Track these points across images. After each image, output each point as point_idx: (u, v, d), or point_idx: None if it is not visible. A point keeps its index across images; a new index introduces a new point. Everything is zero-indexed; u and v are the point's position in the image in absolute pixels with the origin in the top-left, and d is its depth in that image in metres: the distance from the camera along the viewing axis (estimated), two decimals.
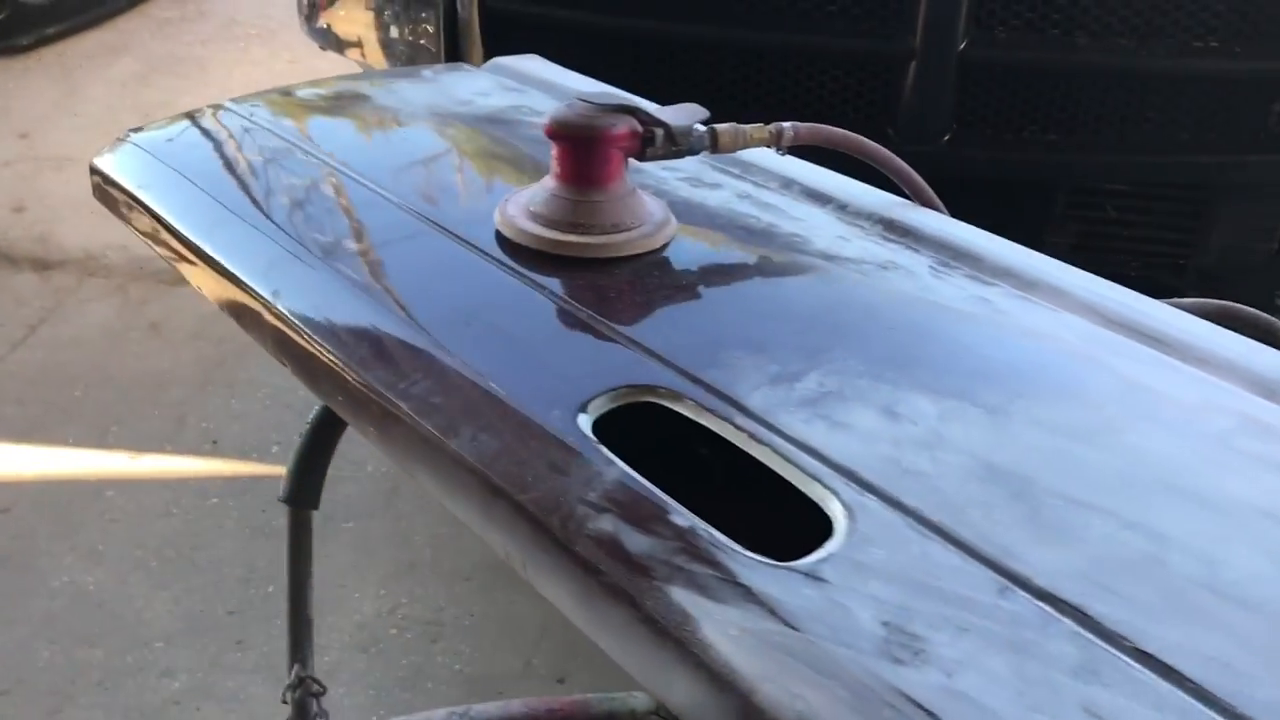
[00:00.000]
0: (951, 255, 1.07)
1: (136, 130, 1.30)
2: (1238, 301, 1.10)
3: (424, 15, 1.96)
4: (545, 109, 1.41)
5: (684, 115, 1.05)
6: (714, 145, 1.07)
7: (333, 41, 2.26)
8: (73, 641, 2.11)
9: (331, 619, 2.19)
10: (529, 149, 1.26)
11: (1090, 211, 1.95)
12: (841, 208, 1.16)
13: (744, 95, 1.84)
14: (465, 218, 1.08)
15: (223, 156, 1.24)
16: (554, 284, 0.97)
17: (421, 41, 1.97)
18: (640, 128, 1.02)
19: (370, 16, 2.19)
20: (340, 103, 1.39)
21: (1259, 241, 1.85)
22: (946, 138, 1.79)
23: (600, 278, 0.99)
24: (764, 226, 1.10)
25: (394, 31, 2.09)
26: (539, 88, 1.47)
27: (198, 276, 1.11)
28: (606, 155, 1.01)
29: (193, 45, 5.14)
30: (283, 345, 0.99)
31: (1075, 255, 1.13)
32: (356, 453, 2.65)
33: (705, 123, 1.08)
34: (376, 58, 2.21)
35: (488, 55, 1.88)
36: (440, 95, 1.41)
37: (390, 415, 0.87)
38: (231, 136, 1.28)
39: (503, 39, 1.87)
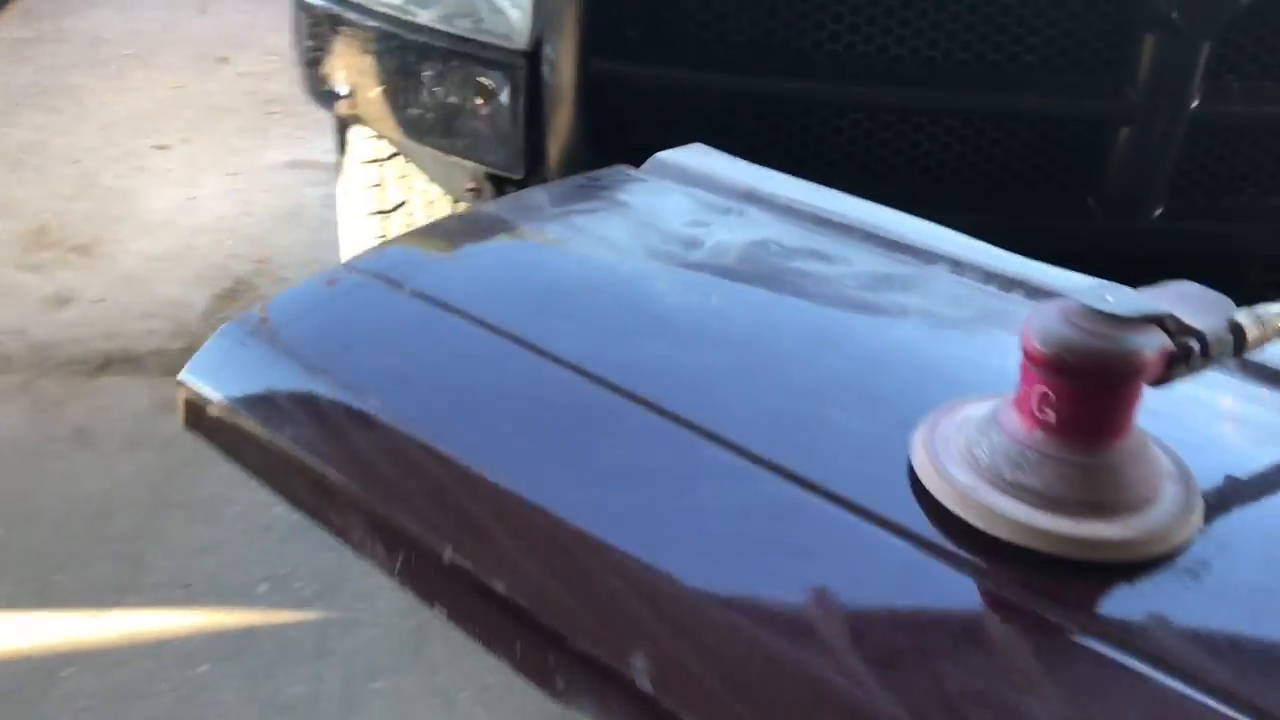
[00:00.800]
0: None
1: (238, 322, 0.87)
2: None
3: (482, 79, 1.54)
4: (796, 243, 1.03)
5: (1207, 311, 0.69)
6: (1239, 348, 0.71)
7: (341, 108, 1.81)
8: None
9: None
10: (853, 328, 0.88)
11: None
12: None
13: (911, 165, 1.49)
14: (850, 474, 0.69)
15: (391, 360, 0.82)
16: (1101, 625, 0.60)
17: (483, 110, 1.55)
18: (1172, 344, 0.65)
19: (370, 63, 1.75)
20: (515, 252, 0.98)
21: None
22: (1159, 211, 1.47)
23: (1154, 601, 0.62)
24: None
25: (426, 94, 1.66)
26: (745, 199, 1.07)
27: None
28: (1134, 395, 0.64)
29: (58, 71, 4.48)
30: None
31: None
32: (363, 583, 2.21)
33: None
34: (389, 129, 1.77)
35: (586, 134, 1.47)
36: (643, 229, 1.01)
37: None
38: (387, 321, 0.86)
39: (609, 114, 1.47)
